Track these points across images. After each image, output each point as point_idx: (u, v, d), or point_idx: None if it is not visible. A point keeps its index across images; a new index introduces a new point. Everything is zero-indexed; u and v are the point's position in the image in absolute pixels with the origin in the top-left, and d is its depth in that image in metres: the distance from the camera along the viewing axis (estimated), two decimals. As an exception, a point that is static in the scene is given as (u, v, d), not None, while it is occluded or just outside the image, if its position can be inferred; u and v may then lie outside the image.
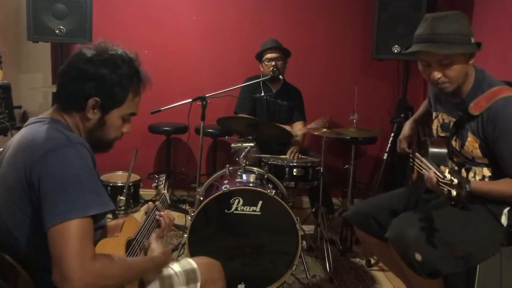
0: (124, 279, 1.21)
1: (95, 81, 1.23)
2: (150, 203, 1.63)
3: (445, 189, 1.43)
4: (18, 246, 1.20)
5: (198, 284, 1.48)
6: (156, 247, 1.45)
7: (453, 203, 1.40)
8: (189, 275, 1.48)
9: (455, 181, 1.38)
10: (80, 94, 1.23)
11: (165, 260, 1.44)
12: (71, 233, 1.08)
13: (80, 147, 1.18)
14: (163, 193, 1.75)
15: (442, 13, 1.77)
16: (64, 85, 1.26)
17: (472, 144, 1.78)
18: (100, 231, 1.37)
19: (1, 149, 1.32)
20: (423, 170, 1.70)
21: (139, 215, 1.58)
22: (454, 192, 1.38)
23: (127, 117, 1.33)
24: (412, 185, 2.06)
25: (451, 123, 1.88)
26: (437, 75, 1.76)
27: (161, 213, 1.59)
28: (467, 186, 1.36)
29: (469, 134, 1.78)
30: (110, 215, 2.66)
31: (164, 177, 1.80)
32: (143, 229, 1.47)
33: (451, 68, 1.74)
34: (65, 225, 1.08)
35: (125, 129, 1.34)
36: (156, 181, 1.76)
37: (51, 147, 1.15)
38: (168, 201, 1.79)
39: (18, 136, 1.26)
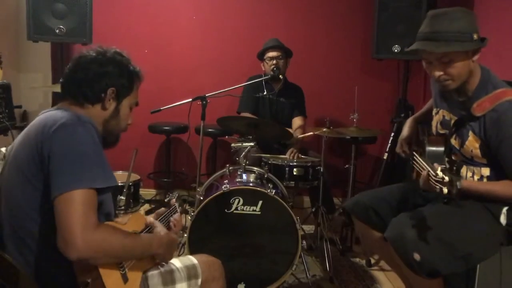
0: (126, 252, 1.26)
1: (108, 76, 1.38)
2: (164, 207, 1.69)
3: (437, 186, 1.44)
4: (30, 223, 1.24)
5: (199, 280, 1.51)
6: (160, 230, 1.49)
7: (445, 200, 1.41)
8: (190, 271, 1.50)
9: (446, 178, 1.39)
10: (97, 88, 1.37)
11: (170, 239, 1.46)
12: (75, 201, 1.14)
13: (89, 126, 1.26)
14: (174, 205, 1.76)
15: (443, 9, 1.74)
16: (77, 83, 1.37)
17: (472, 144, 1.78)
18: None
19: (10, 146, 1.40)
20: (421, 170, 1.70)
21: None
22: (445, 190, 1.39)
23: (132, 106, 1.49)
24: (412, 183, 2.06)
25: (452, 121, 1.88)
26: (437, 73, 1.75)
27: (175, 218, 1.67)
28: (458, 183, 1.36)
29: (470, 133, 1.78)
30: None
31: (177, 195, 1.88)
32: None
33: (451, 66, 1.72)
34: (70, 194, 1.14)
35: (130, 120, 1.49)
36: (169, 196, 1.83)
37: (61, 124, 1.23)
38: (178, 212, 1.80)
39: (29, 126, 1.35)
